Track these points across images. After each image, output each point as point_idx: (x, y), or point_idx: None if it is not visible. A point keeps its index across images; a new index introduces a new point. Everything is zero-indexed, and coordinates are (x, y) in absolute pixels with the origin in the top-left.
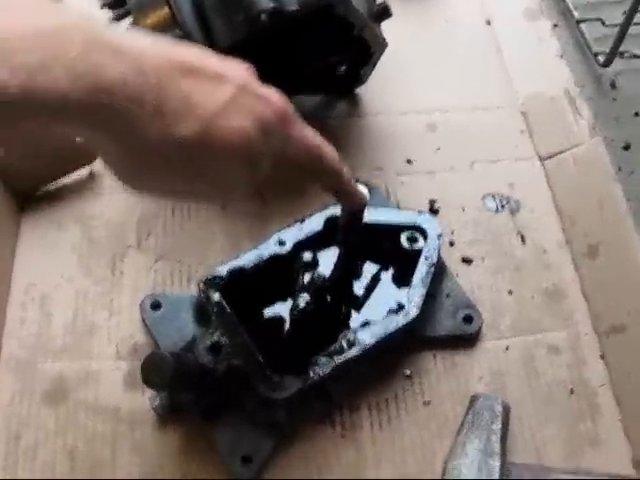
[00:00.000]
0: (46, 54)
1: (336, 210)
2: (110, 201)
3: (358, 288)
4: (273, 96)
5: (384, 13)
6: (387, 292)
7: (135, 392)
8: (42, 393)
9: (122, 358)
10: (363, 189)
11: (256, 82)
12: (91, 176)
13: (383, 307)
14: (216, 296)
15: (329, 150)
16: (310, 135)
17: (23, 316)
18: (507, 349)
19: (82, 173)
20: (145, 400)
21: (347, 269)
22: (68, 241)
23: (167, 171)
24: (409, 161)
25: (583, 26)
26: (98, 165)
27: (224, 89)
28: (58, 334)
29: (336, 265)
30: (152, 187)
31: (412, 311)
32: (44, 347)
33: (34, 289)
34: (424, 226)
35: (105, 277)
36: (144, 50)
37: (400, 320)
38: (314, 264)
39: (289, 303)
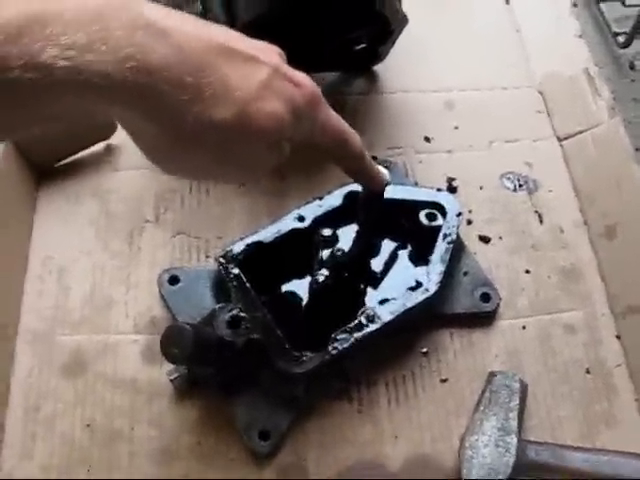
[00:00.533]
0: (93, 33)
1: (355, 186)
2: (127, 176)
3: (376, 264)
4: (304, 79)
5: None
6: (405, 269)
7: (153, 365)
8: (60, 366)
9: (140, 332)
10: (384, 170)
11: (286, 65)
12: (108, 150)
13: (401, 284)
14: (235, 270)
15: (353, 135)
16: (336, 119)
17: (41, 289)
18: (524, 328)
19: (99, 147)
20: (163, 373)
21: (366, 245)
22: (85, 215)
23: (200, 154)
24: (427, 139)
25: (603, 6)
26: (115, 140)
27: (259, 72)
28: (76, 307)
29: (355, 241)
30: (183, 168)
31: (431, 288)
32: (62, 320)
33: (52, 262)
34: (443, 203)
35: (122, 251)
36: (186, 32)
37: (419, 297)
38: (333, 240)
39: (307, 278)
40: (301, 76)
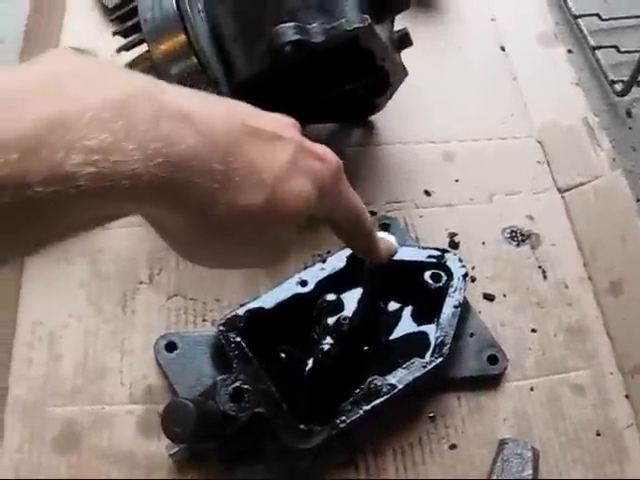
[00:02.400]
0: (118, 131)
1: None
2: (119, 234)
3: (382, 328)
4: (326, 153)
5: (405, 41)
6: (412, 333)
7: (151, 437)
8: (52, 439)
9: (136, 402)
10: (391, 238)
11: (306, 138)
12: None
13: (409, 349)
14: (237, 339)
15: (365, 210)
16: (354, 196)
17: (30, 357)
18: (532, 390)
19: None
20: (161, 446)
21: (371, 309)
22: (76, 277)
23: (230, 241)
24: (427, 192)
25: (599, 53)
26: None
27: (283, 150)
28: (68, 376)
29: (360, 305)
30: (211, 257)
31: (440, 355)
32: (53, 390)
33: (41, 328)
34: (449, 265)
35: (116, 315)
36: (209, 115)
37: (428, 364)
38: (338, 306)
39: (311, 345)
40: (322, 149)
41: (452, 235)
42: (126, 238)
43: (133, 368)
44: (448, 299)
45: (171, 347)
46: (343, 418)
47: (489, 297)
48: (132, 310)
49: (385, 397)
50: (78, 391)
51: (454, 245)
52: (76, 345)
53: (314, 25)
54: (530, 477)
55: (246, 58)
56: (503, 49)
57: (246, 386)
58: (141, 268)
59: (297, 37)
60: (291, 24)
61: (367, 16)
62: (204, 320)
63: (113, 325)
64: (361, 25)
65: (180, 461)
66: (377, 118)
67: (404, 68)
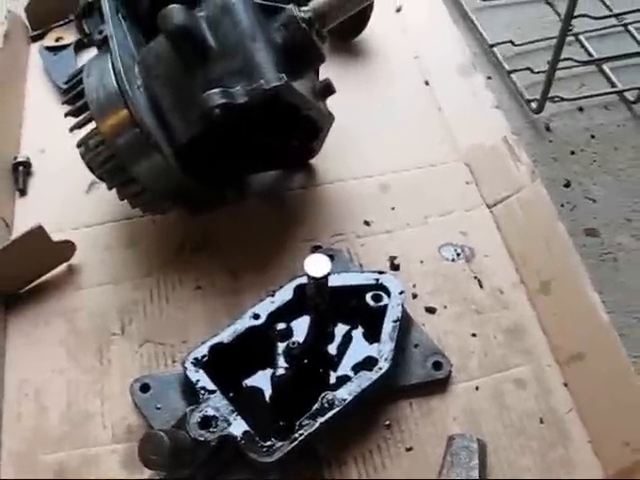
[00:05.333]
0: None
1: (303, 279)
2: (90, 293)
3: (332, 348)
4: None
5: (328, 90)
6: (360, 349)
7: (134, 471)
8: None
9: (118, 441)
10: (325, 259)
11: None
12: (70, 271)
13: (358, 364)
14: (200, 374)
15: None
16: None
17: (19, 411)
18: (477, 389)
19: (61, 268)
20: (144, 477)
21: (320, 333)
22: (55, 335)
23: None
24: (367, 223)
25: (514, 76)
26: (75, 259)
27: None
28: (55, 425)
29: (309, 330)
30: None
31: (384, 366)
32: (42, 439)
33: (27, 385)
34: (386, 285)
35: (94, 366)
36: None
37: (373, 375)
38: (288, 333)
39: (269, 371)
40: None
41: (392, 258)
42: (97, 296)
43: (113, 411)
44: (387, 315)
45: (145, 388)
46: (301, 432)
47: (431, 310)
48: (108, 359)
49: (338, 409)
50: (65, 437)
51: (395, 267)
52: (60, 396)
53: (238, 88)
54: (477, 466)
55: (183, 124)
56: (427, 83)
57: (213, 413)
58: (113, 321)
59: (223, 100)
60: (217, 90)
61: (283, 75)
62: (174, 361)
63: (92, 375)
64: (278, 84)
65: None
66: (316, 161)
67: (330, 114)
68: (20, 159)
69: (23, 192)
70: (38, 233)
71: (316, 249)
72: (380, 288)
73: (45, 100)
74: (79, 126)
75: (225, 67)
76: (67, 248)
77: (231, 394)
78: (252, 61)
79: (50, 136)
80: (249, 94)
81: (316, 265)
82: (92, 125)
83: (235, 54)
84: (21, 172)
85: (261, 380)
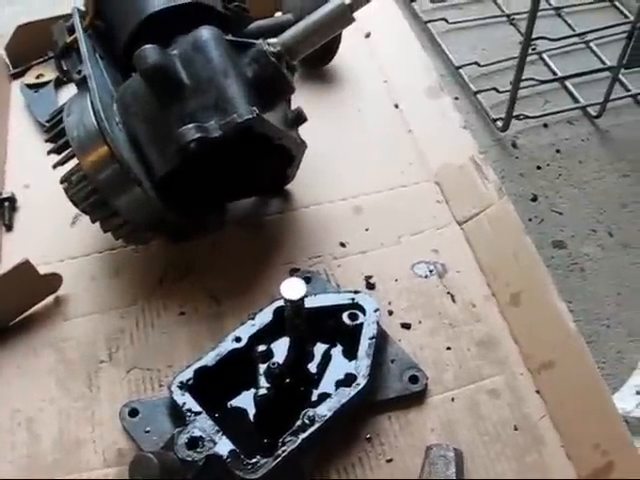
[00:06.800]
0: None
1: (282, 301)
2: (78, 323)
3: (313, 367)
4: None
5: (299, 119)
6: (339, 366)
7: None
8: None
9: (109, 465)
10: (300, 283)
11: None
12: (57, 302)
13: (337, 382)
14: (186, 397)
15: None
16: None
17: (13, 440)
18: (453, 400)
19: (49, 300)
20: None
21: (300, 352)
22: (44, 366)
23: None
24: (342, 244)
25: (480, 96)
26: (62, 290)
27: None
28: (47, 452)
29: (289, 351)
30: None
31: (361, 382)
32: (36, 467)
33: (19, 415)
34: (362, 303)
35: (83, 394)
36: None
37: (352, 391)
38: (269, 354)
39: (252, 391)
40: None
41: (368, 278)
42: (84, 325)
43: (104, 436)
44: (364, 333)
45: (134, 413)
46: (285, 448)
47: (406, 326)
48: (97, 387)
49: (318, 425)
50: (58, 464)
51: (370, 286)
52: (51, 425)
53: (212, 122)
54: (454, 474)
55: (160, 158)
56: (397, 106)
57: (199, 434)
58: (100, 349)
59: (198, 135)
60: (192, 125)
61: (254, 108)
62: (160, 385)
63: (82, 402)
64: (250, 117)
65: None
66: (292, 186)
67: (302, 142)
68: (5, 195)
69: (9, 227)
70: (25, 267)
71: (294, 272)
72: (356, 307)
73: (28, 136)
74: (62, 163)
75: (199, 102)
76: (54, 280)
77: (216, 415)
78: (224, 96)
79: (34, 171)
80: (223, 128)
81: (292, 289)
82: (74, 161)
83: (208, 90)
84: (7, 207)
85: (245, 400)
